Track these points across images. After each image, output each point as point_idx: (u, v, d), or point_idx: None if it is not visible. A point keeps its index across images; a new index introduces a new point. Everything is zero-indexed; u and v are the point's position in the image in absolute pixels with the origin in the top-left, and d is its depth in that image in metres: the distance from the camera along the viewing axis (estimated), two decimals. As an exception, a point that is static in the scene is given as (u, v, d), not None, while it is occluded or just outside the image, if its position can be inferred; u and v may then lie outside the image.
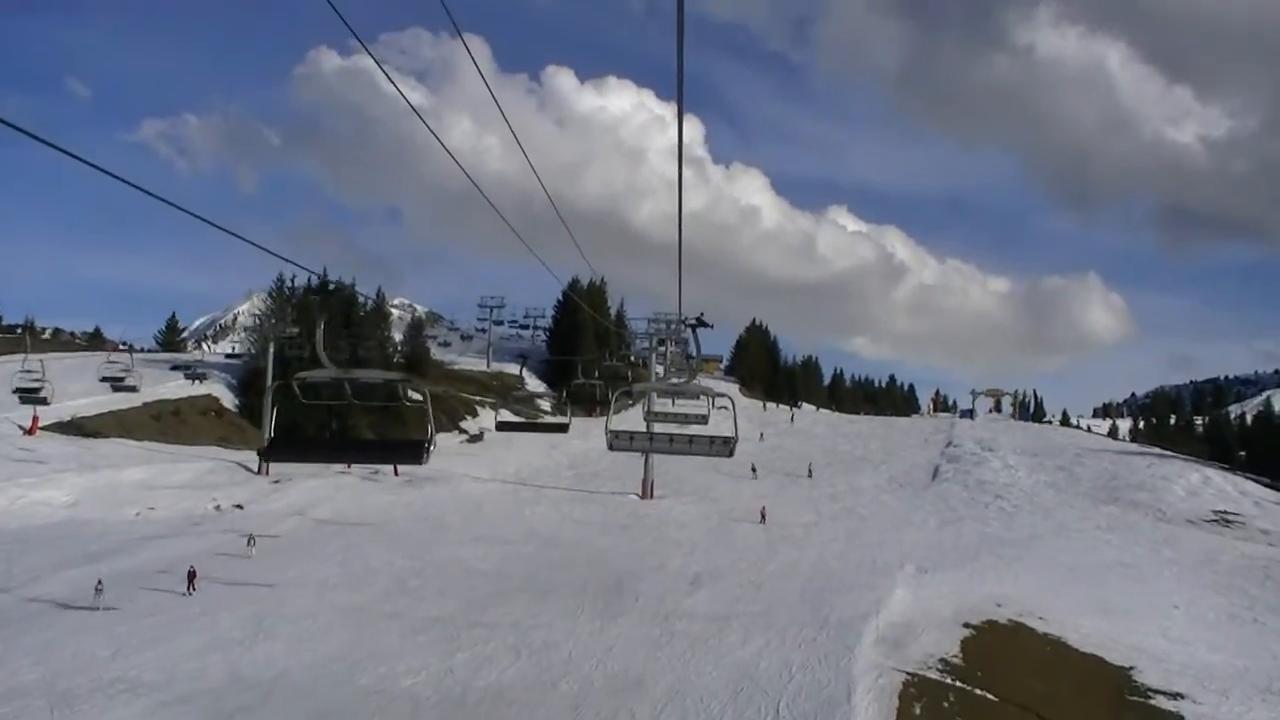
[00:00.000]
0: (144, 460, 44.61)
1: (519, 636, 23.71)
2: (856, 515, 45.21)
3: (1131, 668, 25.70)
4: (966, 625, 27.06)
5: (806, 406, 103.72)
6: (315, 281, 66.39)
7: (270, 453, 10.59)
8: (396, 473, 50.98)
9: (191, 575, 26.64)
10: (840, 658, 22.68)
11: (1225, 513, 47.73)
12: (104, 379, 50.40)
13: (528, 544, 36.21)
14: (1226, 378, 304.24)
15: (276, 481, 45.07)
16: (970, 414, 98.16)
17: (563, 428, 33.51)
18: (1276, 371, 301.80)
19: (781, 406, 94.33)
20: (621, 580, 30.18)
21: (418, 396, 12.33)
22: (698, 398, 25.48)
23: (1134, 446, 73.64)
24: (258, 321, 60.38)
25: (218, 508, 40.45)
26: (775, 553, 35.88)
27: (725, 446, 14.04)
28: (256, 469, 46.71)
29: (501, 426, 35.35)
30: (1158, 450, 70.25)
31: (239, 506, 40.92)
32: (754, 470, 54.16)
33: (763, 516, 42.20)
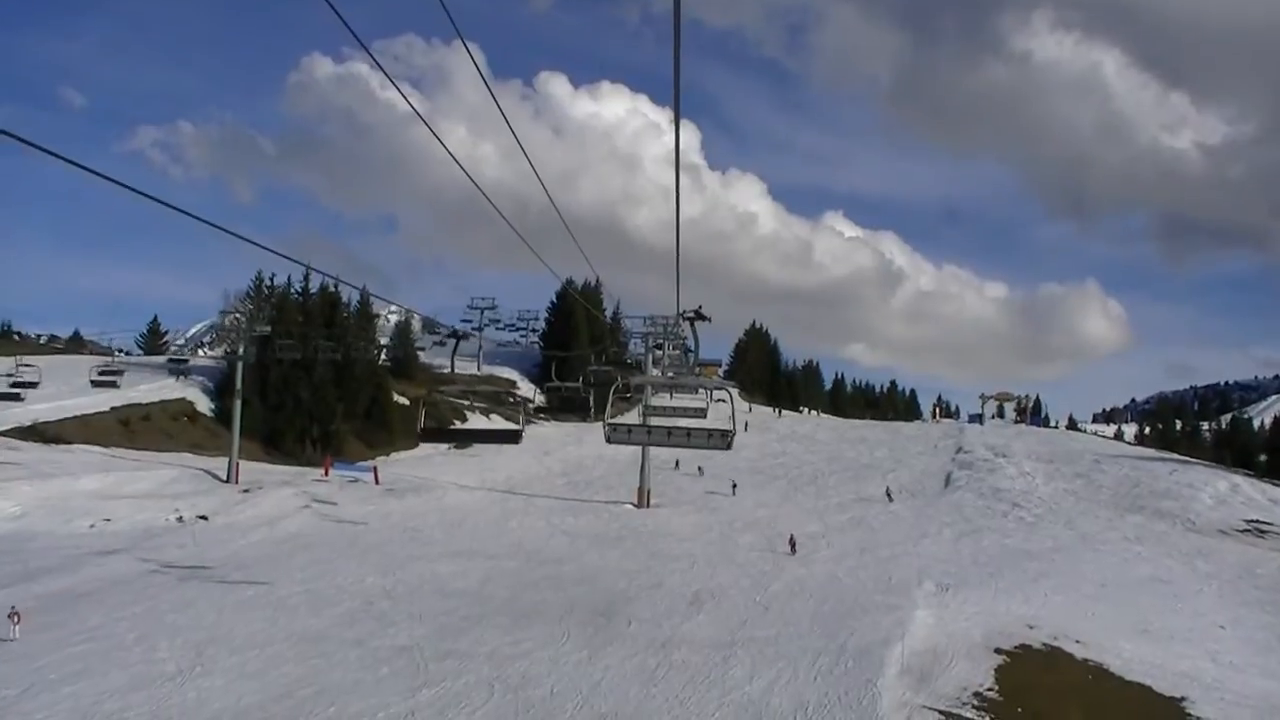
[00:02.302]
0: (103, 468, 41.68)
1: (495, 669, 20.81)
2: (866, 526, 42.36)
3: (1183, 698, 22.83)
4: (998, 651, 24.18)
5: (798, 412, 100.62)
6: (300, 280, 63.65)
7: None
8: (378, 480, 48.15)
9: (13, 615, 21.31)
10: (862, 694, 19.80)
11: (1258, 522, 44.90)
12: (97, 382, 49.59)
13: (512, 559, 33.35)
14: (1228, 383, 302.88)
15: (246, 490, 42.18)
16: (979, 419, 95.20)
17: (512, 436, 27.13)
18: (1278, 377, 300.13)
19: (751, 410, 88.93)
20: (613, 601, 27.29)
21: None
22: (696, 391, 24.20)
23: (1152, 452, 70.73)
24: (236, 322, 57.51)
25: (180, 519, 37.54)
26: (781, 569, 33.01)
27: (723, 439, 14.43)
28: (225, 476, 43.81)
29: (426, 435, 27.21)
30: (1179, 456, 67.50)
31: (203, 517, 38.02)
32: (734, 488, 50.46)
33: (793, 546, 35.87)
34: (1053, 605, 29.73)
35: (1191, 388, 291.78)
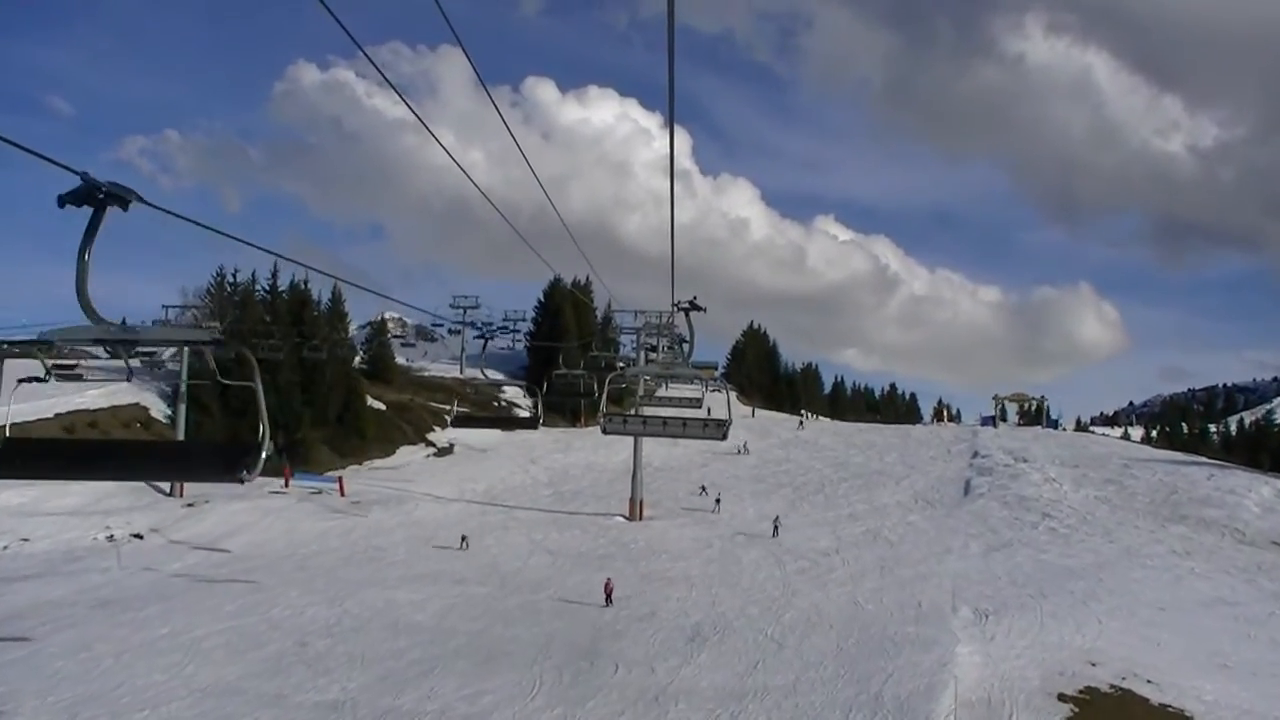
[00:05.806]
0: (26, 480, 37.16)
1: (444, 735, 16.52)
2: (884, 540, 38.04)
3: (1289, 755, 18.70)
4: (1062, 698, 19.96)
5: (799, 415, 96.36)
6: (267, 277, 59.24)
7: None
8: (343, 492, 43.78)
9: None
10: (911, 768, 15.52)
11: (1313, 532, 40.59)
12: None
13: (484, 583, 29.02)
14: (1225, 386, 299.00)
15: (190, 504, 37.81)
16: (992, 421, 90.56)
17: (231, 472, 14.41)
18: (1276, 379, 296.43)
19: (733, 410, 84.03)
20: (597, 637, 23.00)
21: None
22: (690, 382, 22.32)
23: (1183, 456, 66.43)
24: (195, 317, 53.09)
25: (110, 538, 33.28)
26: (794, 593, 28.69)
27: (719, 429, 14.47)
28: (169, 489, 39.40)
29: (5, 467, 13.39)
30: (1213, 460, 63.27)
31: (138, 536, 33.80)
32: (718, 503, 44.53)
33: (608, 596, 26.66)
34: (1111, 634, 25.49)
35: (1189, 390, 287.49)
